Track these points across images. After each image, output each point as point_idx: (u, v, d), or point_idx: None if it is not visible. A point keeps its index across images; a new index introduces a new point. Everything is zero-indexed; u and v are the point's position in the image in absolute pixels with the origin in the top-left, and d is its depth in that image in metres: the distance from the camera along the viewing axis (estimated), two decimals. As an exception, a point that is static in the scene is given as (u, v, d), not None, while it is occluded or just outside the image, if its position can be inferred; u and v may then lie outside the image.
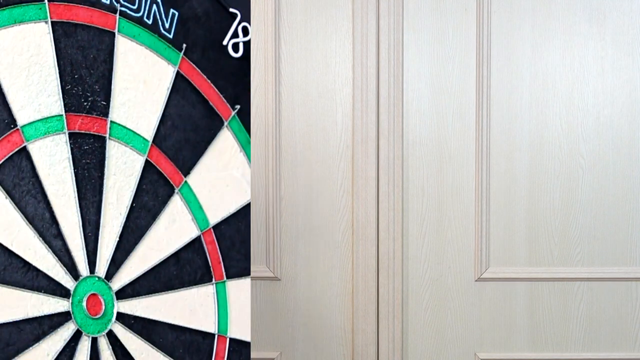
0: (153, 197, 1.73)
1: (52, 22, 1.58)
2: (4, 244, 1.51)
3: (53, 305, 1.57)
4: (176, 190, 1.77)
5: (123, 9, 1.69)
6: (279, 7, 2.18)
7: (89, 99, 1.64)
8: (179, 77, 1.78)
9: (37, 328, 1.55)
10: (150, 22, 1.73)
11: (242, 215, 1.88)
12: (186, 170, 1.79)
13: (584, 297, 2.21)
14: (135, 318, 1.69)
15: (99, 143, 1.65)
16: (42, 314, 1.56)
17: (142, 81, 1.72)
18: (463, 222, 2.19)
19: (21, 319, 1.53)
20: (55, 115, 1.59)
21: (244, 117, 1.89)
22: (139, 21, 1.71)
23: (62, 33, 1.60)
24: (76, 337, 1.60)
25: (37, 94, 1.56)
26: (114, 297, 1.66)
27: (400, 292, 2.21)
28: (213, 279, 1.82)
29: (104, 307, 1.64)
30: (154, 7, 1.73)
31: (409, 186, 2.19)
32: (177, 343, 1.76)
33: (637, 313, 2.20)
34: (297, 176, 2.21)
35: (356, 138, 2.19)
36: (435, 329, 2.25)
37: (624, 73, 2.16)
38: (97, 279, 1.64)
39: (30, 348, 1.54)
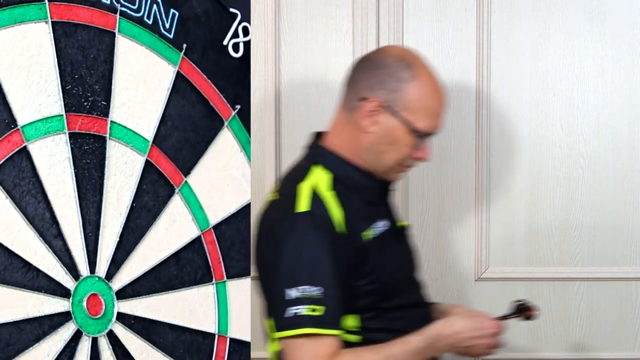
0: (153, 197, 1.73)
1: (52, 22, 1.58)
2: (4, 244, 1.51)
3: (53, 305, 1.57)
4: (176, 190, 1.77)
5: (123, 9, 1.69)
6: (279, 7, 2.18)
7: (89, 99, 1.64)
8: (179, 77, 1.78)
9: (37, 328, 1.55)
10: (150, 22, 1.73)
11: (242, 215, 1.88)
12: (186, 170, 1.79)
13: (584, 297, 2.21)
14: (136, 318, 1.70)
15: (99, 143, 1.65)
16: (43, 314, 1.56)
17: (142, 81, 1.72)
18: (463, 222, 2.19)
19: (21, 319, 1.53)
20: (56, 115, 1.59)
21: (244, 117, 1.89)
22: (139, 21, 1.72)
23: (63, 33, 1.60)
24: (76, 337, 1.60)
25: (38, 94, 1.56)
26: (114, 297, 1.66)
27: (400, 292, 2.21)
28: (213, 279, 1.82)
29: (104, 307, 1.65)
30: (154, 7, 1.74)
31: (409, 186, 2.19)
32: (177, 343, 1.76)
33: (637, 313, 2.20)
34: (297, 176, 2.21)
35: (356, 138, 2.20)
36: (435, 329, 2.24)
37: (624, 73, 2.16)
38: (97, 279, 1.64)
39: (31, 348, 1.54)
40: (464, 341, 1.60)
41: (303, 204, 1.55)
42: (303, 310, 1.49)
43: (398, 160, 1.62)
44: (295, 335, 1.50)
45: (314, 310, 1.49)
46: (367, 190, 1.63)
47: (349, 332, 1.58)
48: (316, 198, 1.56)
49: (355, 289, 1.57)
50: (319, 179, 1.60)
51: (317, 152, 1.66)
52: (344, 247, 1.54)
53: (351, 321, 1.59)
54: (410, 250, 1.76)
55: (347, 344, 1.57)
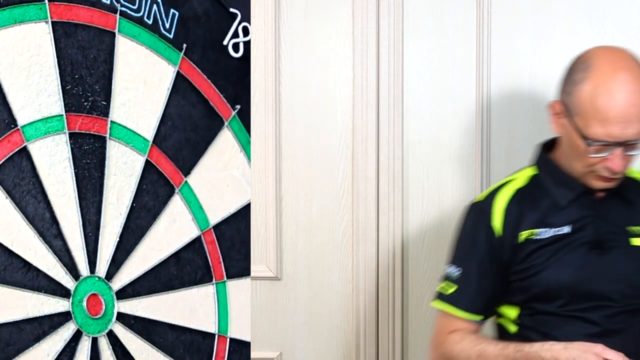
0: (153, 197, 1.73)
1: (52, 22, 1.58)
2: (4, 244, 1.51)
3: (53, 305, 1.57)
4: (176, 190, 1.77)
5: (123, 9, 1.69)
6: (279, 7, 2.18)
7: (89, 99, 1.64)
8: (179, 77, 1.78)
9: (37, 328, 1.55)
10: (150, 22, 1.73)
11: (242, 215, 1.88)
12: (186, 170, 1.79)
13: (584, 297, 2.21)
14: (136, 318, 1.70)
15: (99, 143, 1.66)
16: (43, 314, 1.56)
17: (143, 81, 1.73)
18: (463, 222, 2.19)
19: (21, 319, 1.53)
20: (56, 115, 1.59)
21: (244, 117, 1.89)
22: (140, 21, 1.72)
23: (63, 33, 1.60)
24: (76, 337, 1.61)
25: (38, 94, 1.56)
26: (114, 297, 1.67)
27: (400, 292, 2.21)
28: (213, 279, 1.82)
29: (104, 307, 1.65)
30: (154, 7, 1.74)
31: (409, 186, 2.19)
32: (177, 343, 1.76)
33: (637, 313, 2.20)
34: (297, 176, 2.21)
35: (356, 138, 2.19)
36: (435, 329, 2.24)
37: (624, 73, 2.16)
38: (97, 279, 1.64)
39: (31, 348, 1.54)
40: None
41: (481, 196, 1.70)
42: (439, 286, 1.68)
43: (584, 167, 1.55)
44: (437, 308, 1.68)
45: (446, 287, 1.66)
46: (556, 193, 1.62)
47: (511, 320, 1.64)
48: (492, 193, 1.66)
49: (510, 284, 1.62)
50: (520, 176, 1.68)
51: (536, 153, 1.71)
52: (497, 242, 1.61)
53: (511, 312, 1.64)
54: (618, 266, 1.59)
55: (507, 333, 1.64)
